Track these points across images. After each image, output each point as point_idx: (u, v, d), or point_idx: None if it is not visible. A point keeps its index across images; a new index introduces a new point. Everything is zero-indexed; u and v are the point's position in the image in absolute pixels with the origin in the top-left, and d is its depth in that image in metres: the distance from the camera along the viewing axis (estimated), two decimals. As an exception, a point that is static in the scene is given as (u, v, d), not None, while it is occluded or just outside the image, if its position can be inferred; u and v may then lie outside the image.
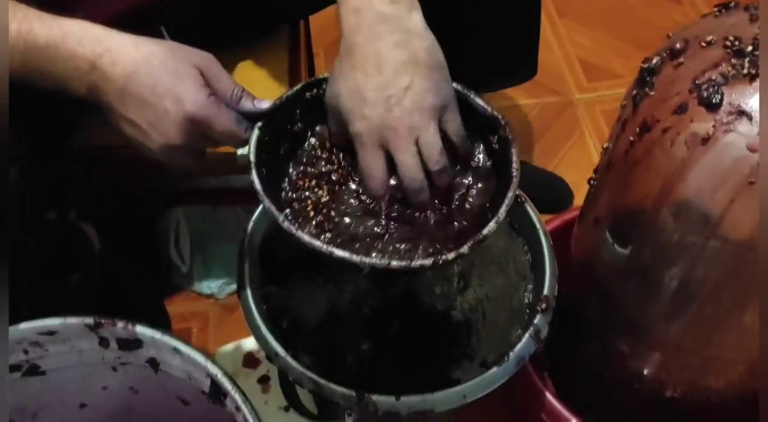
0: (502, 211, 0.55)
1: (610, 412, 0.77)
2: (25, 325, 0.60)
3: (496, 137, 0.60)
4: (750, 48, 0.50)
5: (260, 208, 0.74)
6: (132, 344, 0.62)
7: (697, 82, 0.51)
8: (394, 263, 0.53)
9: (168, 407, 0.74)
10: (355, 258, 0.53)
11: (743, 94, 0.49)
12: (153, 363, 0.64)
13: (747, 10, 0.55)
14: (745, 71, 0.49)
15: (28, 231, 0.64)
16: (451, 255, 0.53)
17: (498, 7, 0.85)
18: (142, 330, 0.60)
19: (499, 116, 0.60)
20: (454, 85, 0.60)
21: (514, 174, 0.57)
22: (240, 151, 0.80)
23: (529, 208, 0.73)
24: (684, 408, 0.72)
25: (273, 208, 0.55)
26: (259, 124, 0.58)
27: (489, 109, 0.60)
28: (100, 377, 0.68)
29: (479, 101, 0.61)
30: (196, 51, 0.58)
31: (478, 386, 0.62)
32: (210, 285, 1.00)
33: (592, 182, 0.68)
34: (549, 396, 0.76)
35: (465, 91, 0.61)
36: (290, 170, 0.62)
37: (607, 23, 1.34)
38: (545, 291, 0.67)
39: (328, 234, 0.58)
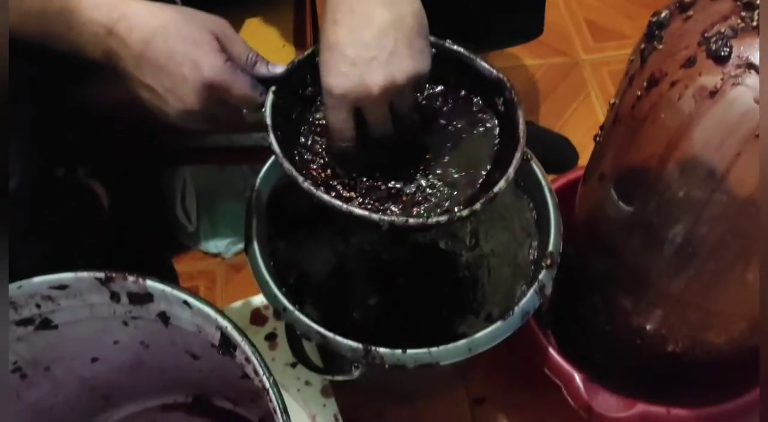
0: (511, 171, 0.56)
1: (612, 367, 0.78)
2: (37, 279, 0.61)
3: (501, 99, 0.61)
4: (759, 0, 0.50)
5: (267, 164, 0.74)
6: (143, 298, 0.63)
7: (705, 35, 0.51)
8: (412, 220, 0.54)
9: (178, 361, 0.75)
10: (375, 216, 0.54)
11: (752, 47, 0.49)
12: (163, 317, 0.65)
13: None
14: (755, 23, 0.49)
15: (36, 188, 0.64)
16: (465, 212, 0.55)
17: None
18: (152, 284, 0.61)
19: (505, 79, 0.60)
20: (459, 48, 0.61)
21: (521, 135, 0.58)
22: (246, 111, 0.80)
23: (534, 166, 0.73)
24: (685, 363, 0.74)
25: (293, 169, 0.56)
26: (273, 88, 0.59)
27: (494, 72, 0.61)
28: (111, 331, 0.69)
29: (485, 64, 0.61)
30: (211, 17, 0.58)
31: (483, 339, 0.63)
32: (217, 245, 1.01)
33: (597, 139, 0.68)
34: (552, 351, 0.77)
35: (470, 55, 0.62)
36: (303, 132, 0.63)
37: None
38: (550, 248, 0.68)
39: (346, 193, 0.60)
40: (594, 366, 0.77)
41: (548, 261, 0.67)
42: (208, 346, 0.66)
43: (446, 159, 0.61)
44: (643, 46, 0.57)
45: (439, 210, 0.58)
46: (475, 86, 0.62)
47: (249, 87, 0.57)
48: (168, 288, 0.60)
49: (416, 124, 0.60)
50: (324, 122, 0.60)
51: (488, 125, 0.62)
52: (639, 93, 0.56)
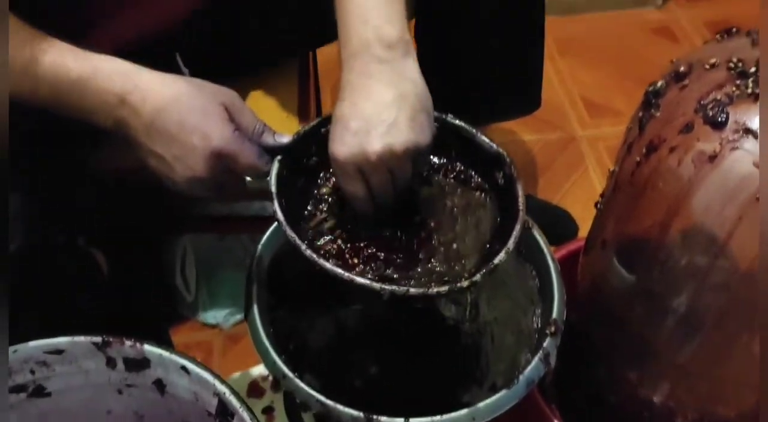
0: (511, 243, 0.57)
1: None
2: (33, 344, 0.60)
3: (501, 173, 0.62)
4: (753, 69, 0.52)
5: (268, 232, 0.74)
6: (139, 364, 0.61)
7: (702, 102, 0.53)
8: (413, 290, 0.55)
9: (172, 433, 0.73)
10: (376, 285, 0.55)
11: (748, 113, 0.50)
12: (159, 385, 0.63)
13: (749, 35, 0.56)
14: (749, 91, 0.51)
15: (36, 252, 0.64)
16: (465, 283, 0.56)
17: (501, 38, 0.87)
18: (149, 348, 0.60)
19: (504, 153, 0.62)
20: (460, 122, 0.64)
21: (521, 208, 0.59)
22: (249, 178, 0.81)
23: (536, 234, 0.73)
24: (695, 437, 0.71)
25: (295, 237, 0.57)
26: (279, 157, 0.60)
27: (494, 146, 0.63)
28: (105, 400, 0.67)
29: (485, 139, 0.63)
30: (221, 88, 0.60)
31: (487, 409, 0.61)
32: (215, 315, 1.00)
33: (598, 206, 0.69)
34: (557, 424, 0.75)
35: (470, 130, 0.64)
36: (306, 202, 0.64)
37: (608, 62, 1.37)
38: (554, 315, 0.67)
39: (348, 261, 0.61)
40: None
41: (552, 329, 0.66)
42: (205, 415, 0.64)
43: (448, 230, 0.62)
44: (640, 114, 0.59)
45: (440, 280, 0.58)
46: (475, 159, 0.64)
47: (256, 156, 0.59)
48: (165, 353, 0.59)
49: (416, 194, 0.62)
50: (324, 191, 0.63)
51: (489, 198, 0.63)
52: (638, 159, 0.57)
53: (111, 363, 0.62)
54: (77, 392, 0.65)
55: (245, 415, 0.55)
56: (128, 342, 0.60)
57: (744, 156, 0.50)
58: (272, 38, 0.81)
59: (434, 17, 0.85)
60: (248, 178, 0.80)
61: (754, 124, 0.50)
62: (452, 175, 0.65)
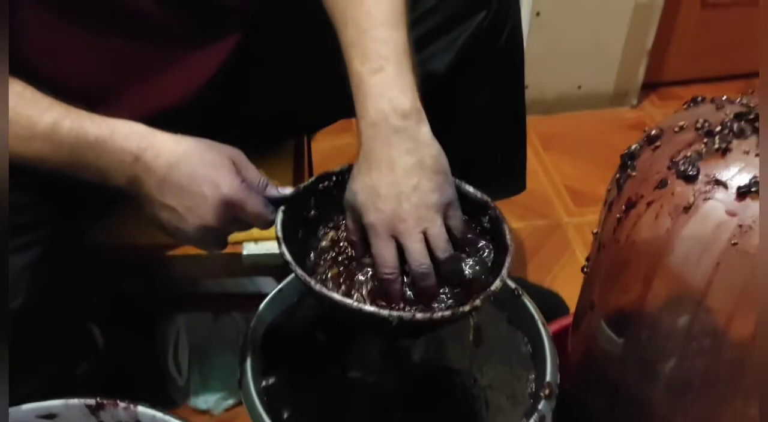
0: (504, 272, 0.61)
1: None
2: (26, 407, 0.59)
3: (487, 217, 0.67)
4: (718, 128, 0.56)
5: (263, 304, 0.76)
6: (132, 429, 0.61)
7: (674, 160, 0.56)
8: (419, 315, 0.57)
9: None
10: (384, 312, 0.56)
11: (717, 167, 0.54)
12: (152, 453, 0.62)
13: (712, 102, 0.61)
14: (716, 146, 0.54)
15: (34, 317, 0.65)
16: (467, 308, 0.58)
17: (489, 129, 0.93)
18: (143, 410, 0.60)
19: (488, 199, 0.67)
20: None
21: (509, 243, 0.63)
22: (246, 252, 0.84)
23: (526, 301, 0.75)
24: None
25: (304, 274, 0.59)
26: (283, 207, 0.64)
27: (479, 194, 0.68)
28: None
29: (470, 188, 0.68)
30: (227, 146, 0.65)
31: (484, 471, 0.61)
32: (207, 400, 0.98)
33: (585, 270, 0.71)
34: None
35: (456, 181, 0.68)
36: (309, 253, 0.66)
37: (589, 155, 1.43)
38: (548, 378, 0.68)
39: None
40: None
41: (547, 392, 0.66)
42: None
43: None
44: (618, 175, 0.62)
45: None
46: (462, 208, 0.67)
47: (262, 205, 0.62)
48: (159, 414, 0.59)
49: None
50: (324, 244, 0.65)
51: (481, 243, 0.65)
52: (618, 216, 0.60)
53: (103, 429, 0.61)
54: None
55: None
56: (122, 404, 0.60)
57: (717, 205, 0.53)
58: (270, 122, 0.86)
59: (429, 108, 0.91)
60: (244, 253, 0.83)
61: (723, 175, 0.53)
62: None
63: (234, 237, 0.82)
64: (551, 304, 1.11)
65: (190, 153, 0.61)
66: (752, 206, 0.52)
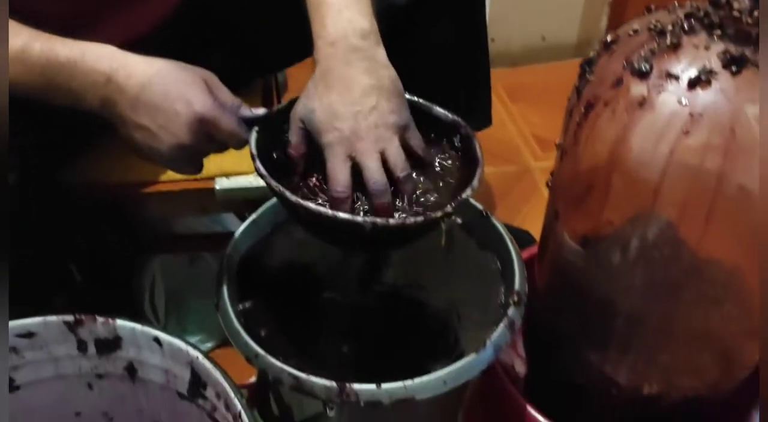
0: (476, 181, 0.63)
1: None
2: (3, 326, 0.60)
3: (458, 136, 0.68)
4: (670, 27, 0.58)
5: (237, 233, 0.77)
6: (111, 345, 0.62)
7: (628, 60, 0.58)
8: (392, 221, 0.58)
9: (143, 439, 0.72)
10: (358, 219, 0.58)
11: (669, 61, 0.56)
12: (131, 371, 0.64)
13: (665, 8, 0.63)
14: (668, 43, 0.56)
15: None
16: (438, 214, 0.59)
17: (452, 62, 0.94)
18: (122, 323, 0.60)
19: (459, 119, 0.68)
20: (417, 99, 0.69)
21: (479, 156, 0.65)
22: (218, 186, 0.85)
23: (494, 221, 0.77)
24: (664, 408, 0.73)
25: (279, 186, 0.60)
26: (257, 127, 0.64)
27: (450, 115, 0.69)
28: (74, 397, 0.67)
29: (440, 110, 0.69)
30: (199, 68, 0.65)
31: (457, 372, 0.63)
32: (184, 344, 0.99)
33: (549, 184, 0.73)
34: (531, 409, 0.76)
35: (427, 104, 0.70)
36: (283, 173, 0.66)
37: (554, 104, 1.43)
38: (516, 287, 0.70)
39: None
40: (574, 424, 0.75)
41: (515, 298, 0.69)
42: (176, 400, 0.64)
43: (420, 189, 0.66)
44: (577, 84, 0.64)
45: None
46: (434, 130, 0.69)
47: (235, 123, 0.63)
48: (138, 326, 0.60)
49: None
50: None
51: (450, 162, 0.67)
52: (578, 120, 0.62)
53: (82, 346, 0.62)
54: (46, 386, 0.65)
55: (218, 375, 0.56)
56: (100, 319, 0.60)
57: (669, 96, 0.55)
58: (238, 60, 0.87)
59: (385, 39, 0.92)
60: (217, 187, 0.84)
61: (675, 69, 0.55)
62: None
63: (207, 171, 0.83)
64: (521, 240, 1.13)
65: (163, 72, 0.62)
66: (702, 96, 0.54)
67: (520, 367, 0.91)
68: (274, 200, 0.79)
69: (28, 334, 0.60)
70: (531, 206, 1.23)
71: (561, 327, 0.78)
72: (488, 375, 0.80)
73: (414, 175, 0.66)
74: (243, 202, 0.84)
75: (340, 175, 0.62)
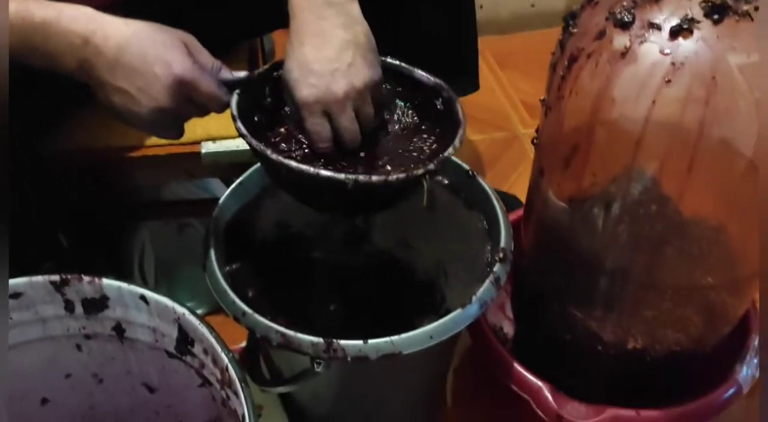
0: (457, 141, 0.63)
1: (579, 379, 0.78)
2: (-11, 287, 0.60)
3: (440, 100, 0.68)
4: (652, -22, 0.58)
5: (224, 196, 0.77)
6: (98, 304, 0.62)
7: (611, 11, 0.58)
8: (375, 178, 0.58)
9: (133, 402, 0.72)
10: (340, 176, 0.57)
11: (651, 12, 0.56)
12: (119, 330, 0.64)
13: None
14: (651, -7, 0.56)
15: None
16: (420, 171, 0.59)
17: (432, 21, 0.93)
18: (108, 282, 0.60)
19: (441, 82, 0.68)
20: (399, 62, 0.69)
21: (461, 117, 0.65)
22: (204, 150, 0.84)
23: (480, 181, 0.77)
24: (649, 362, 0.74)
25: (260, 144, 0.60)
26: (238, 90, 0.64)
27: (431, 78, 0.69)
28: (63, 358, 0.67)
29: (422, 73, 0.69)
30: (178, 30, 0.64)
31: (443, 327, 0.63)
32: (175, 311, 1.00)
33: (534, 141, 0.73)
34: (517, 366, 0.77)
35: (408, 67, 0.70)
36: (264, 136, 0.66)
37: (543, 71, 1.44)
38: (502, 244, 0.70)
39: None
40: (561, 382, 0.76)
41: (501, 255, 0.69)
42: (165, 359, 0.64)
43: (400, 149, 0.66)
44: (561, 37, 0.64)
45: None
46: (415, 93, 0.69)
47: (215, 86, 0.62)
48: (124, 285, 0.60)
49: (381, 128, 0.66)
50: (281, 130, 0.66)
51: (433, 124, 0.68)
52: (562, 74, 0.62)
53: (69, 306, 0.62)
54: (35, 348, 0.65)
55: (204, 330, 0.56)
56: (86, 279, 0.60)
57: (651, 46, 0.55)
58: (224, 23, 0.86)
59: (373, 3, 0.91)
60: (203, 151, 0.83)
61: (657, 19, 0.55)
62: (396, 111, 0.69)
63: (193, 136, 0.83)
64: (509, 204, 1.13)
65: (140, 34, 0.61)
66: (683, 45, 0.54)
67: (509, 328, 0.92)
68: (260, 164, 0.79)
69: (15, 295, 0.60)
70: (519, 172, 1.23)
71: (547, 286, 0.79)
72: (476, 336, 0.81)
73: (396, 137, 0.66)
74: (229, 166, 0.83)
75: (321, 131, 0.62)
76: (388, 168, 0.64)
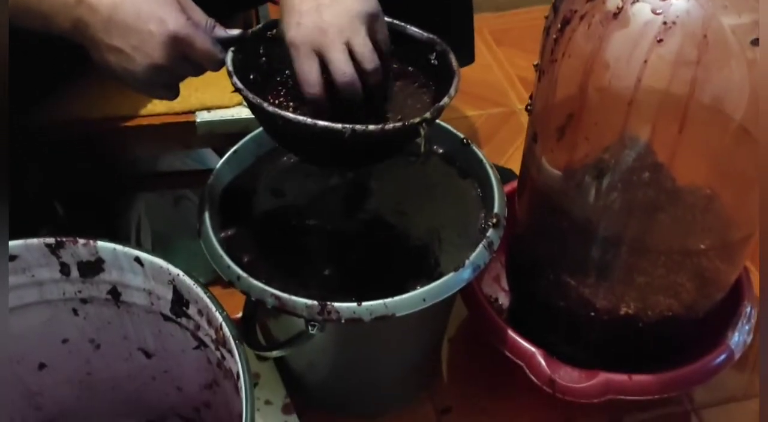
0: (452, 89, 0.62)
1: (572, 345, 0.78)
2: (-15, 249, 0.60)
3: (434, 54, 0.67)
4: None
5: (219, 164, 0.77)
6: (93, 267, 0.62)
7: (604, -28, 0.58)
8: (371, 127, 0.57)
9: (130, 368, 0.73)
10: (337, 126, 0.57)
11: (644, -28, 0.56)
12: (114, 294, 0.64)
13: None
14: (644, -46, 0.56)
15: None
16: (416, 120, 0.59)
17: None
18: (103, 244, 0.61)
19: (434, 37, 0.68)
20: (391, 19, 0.67)
21: (455, 68, 0.64)
22: (199, 119, 0.84)
23: (474, 148, 0.78)
24: (641, 328, 0.74)
25: (256, 97, 0.60)
26: (233, 48, 0.64)
27: (425, 34, 0.68)
28: (60, 323, 0.68)
29: (415, 29, 0.68)
30: None
31: (436, 290, 0.64)
32: (172, 283, 1.00)
33: (528, 108, 0.73)
34: (511, 332, 0.77)
35: (401, 23, 0.68)
36: (260, 94, 0.66)
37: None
38: (495, 210, 0.71)
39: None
40: (554, 349, 0.77)
41: (494, 221, 0.69)
42: (160, 322, 0.65)
43: (397, 102, 0.66)
44: (554, 2, 0.64)
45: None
46: (408, 49, 0.68)
47: (210, 43, 0.62)
48: (119, 247, 0.60)
49: (380, 71, 0.62)
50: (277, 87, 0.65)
51: (427, 79, 0.67)
52: (555, 37, 0.62)
53: (65, 269, 0.62)
54: (32, 312, 0.66)
55: (199, 291, 0.57)
56: (81, 241, 0.61)
57: (643, 6, 0.55)
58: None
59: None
60: (198, 120, 0.83)
61: (650, -21, 0.55)
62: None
63: (188, 105, 0.83)
64: (505, 177, 1.14)
65: None
66: (675, 4, 0.54)
67: (504, 300, 0.92)
68: (255, 132, 0.79)
69: (11, 257, 0.61)
70: (516, 147, 1.23)
71: (541, 254, 0.79)
72: (471, 304, 0.81)
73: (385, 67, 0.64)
74: (224, 136, 0.83)
75: (308, 73, 0.60)
76: (388, 116, 0.63)
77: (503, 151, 1.23)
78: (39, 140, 0.81)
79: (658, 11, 0.54)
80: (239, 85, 0.60)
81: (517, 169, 1.16)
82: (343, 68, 0.60)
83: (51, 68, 0.79)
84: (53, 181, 0.83)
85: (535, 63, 0.70)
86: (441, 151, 0.80)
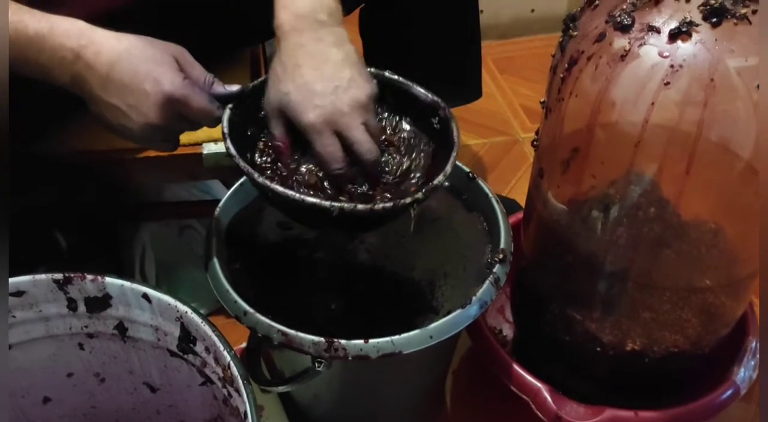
0: (448, 167, 0.62)
1: (577, 380, 0.78)
2: (-7, 285, 0.60)
3: (437, 118, 0.67)
4: (651, -18, 0.58)
5: (225, 197, 0.77)
6: (101, 302, 0.62)
7: (611, 14, 0.59)
8: (360, 206, 0.58)
9: (135, 400, 0.73)
10: (326, 203, 0.57)
11: (650, 14, 0.57)
12: (121, 329, 0.64)
13: (647, -36, 0.63)
14: (649, -3, 0.57)
15: None
16: (408, 200, 0.59)
17: (443, 35, 0.94)
18: (111, 280, 0.61)
19: (439, 100, 0.68)
20: (397, 76, 0.69)
21: (455, 140, 0.64)
22: (206, 151, 0.85)
23: (480, 183, 0.78)
24: (647, 363, 0.74)
25: (248, 167, 0.60)
26: (230, 105, 0.64)
27: (429, 95, 0.68)
28: (66, 357, 0.67)
29: (420, 90, 0.68)
30: (170, 43, 0.64)
31: (443, 327, 0.64)
32: (176, 312, 1.00)
33: (534, 143, 0.74)
34: (517, 367, 0.77)
35: (407, 82, 0.69)
36: (256, 150, 0.67)
37: (542, 76, 1.45)
38: (502, 245, 0.71)
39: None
40: (559, 383, 0.76)
41: (500, 256, 0.70)
42: (167, 358, 0.65)
43: (393, 169, 0.67)
44: (561, 39, 0.65)
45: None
46: (411, 110, 0.69)
47: (207, 101, 0.62)
48: (126, 283, 0.60)
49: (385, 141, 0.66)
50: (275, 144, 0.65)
51: (427, 143, 0.68)
52: (562, 76, 0.62)
53: (72, 305, 0.62)
54: (38, 346, 0.65)
55: (207, 329, 0.57)
56: (89, 277, 0.61)
57: (651, 49, 0.56)
58: (226, 29, 0.86)
59: (379, 13, 0.92)
60: (205, 152, 0.84)
61: (656, 21, 0.56)
62: (390, 127, 0.69)
63: (195, 138, 0.83)
64: (509, 208, 1.14)
65: (132, 49, 0.61)
66: (682, 47, 0.55)
67: (508, 331, 0.92)
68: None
69: (18, 293, 0.61)
70: (519, 177, 1.24)
71: (546, 287, 0.79)
72: (476, 337, 0.81)
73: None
74: (231, 168, 0.83)
75: (335, 152, 0.62)
76: (387, 187, 0.64)
77: (506, 180, 1.23)
78: (44, 170, 0.82)
79: (665, 54, 0.55)
80: (232, 151, 0.60)
81: (520, 199, 1.17)
82: (369, 147, 0.62)
83: (57, 100, 0.80)
84: (57, 210, 0.83)
85: (542, 100, 0.70)
86: (447, 184, 0.80)
